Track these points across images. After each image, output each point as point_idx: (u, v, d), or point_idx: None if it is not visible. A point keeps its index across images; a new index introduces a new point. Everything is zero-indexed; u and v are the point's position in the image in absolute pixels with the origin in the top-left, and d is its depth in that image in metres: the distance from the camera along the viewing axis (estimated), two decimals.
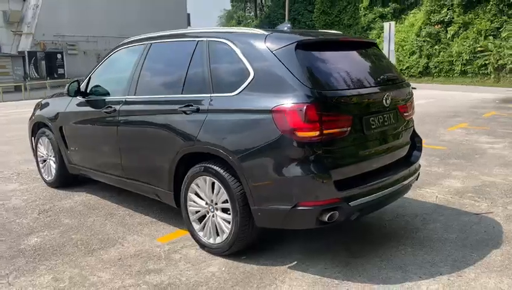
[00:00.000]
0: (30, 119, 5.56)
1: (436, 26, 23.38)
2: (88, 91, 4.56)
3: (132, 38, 4.40)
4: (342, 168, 3.05)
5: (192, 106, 3.43)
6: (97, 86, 4.49)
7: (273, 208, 3.05)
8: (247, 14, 57.52)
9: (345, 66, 3.34)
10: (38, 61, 30.26)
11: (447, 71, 22.70)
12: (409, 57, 24.42)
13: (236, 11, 60.21)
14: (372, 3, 28.40)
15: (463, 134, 8.18)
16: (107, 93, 4.40)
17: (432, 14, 23.49)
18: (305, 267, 3.19)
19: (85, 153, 4.77)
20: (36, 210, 4.54)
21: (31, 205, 4.71)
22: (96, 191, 5.06)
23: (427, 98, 14.17)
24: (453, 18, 22.71)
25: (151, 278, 3.11)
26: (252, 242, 3.38)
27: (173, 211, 4.08)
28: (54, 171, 5.22)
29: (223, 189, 3.26)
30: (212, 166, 3.30)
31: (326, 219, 2.96)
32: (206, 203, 3.43)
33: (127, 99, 4.07)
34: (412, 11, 26.83)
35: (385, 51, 17.56)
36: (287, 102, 2.92)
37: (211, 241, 3.43)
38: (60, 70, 31.16)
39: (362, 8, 28.85)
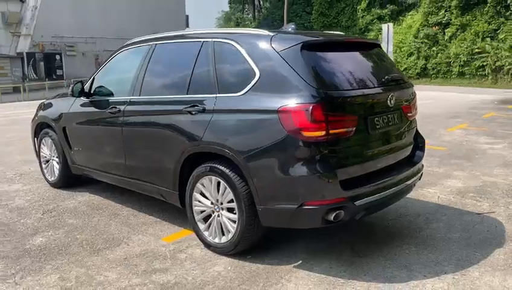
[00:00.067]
0: (33, 120, 5.56)
1: (433, 28, 23.47)
2: (92, 92, 4.58)
3: (136, 39, 4.42)
4: (347, 168, 3.08)
5: (197, 106, 3.45)
6: (101, 86, 4.51)
7: (279, 207, 3.07)
8: (245, 15, 57.60)
9: (349, 66, 3.37)
10: (37, 63, 30.27)
11: (445, 72, 22.79)
12: (406, 59, 24.51)
13: (234, 12, 60.34)
14: (370, 5, 28.48)
15: (463, 135, 8.23)
16: (111, 94, 4.42)
17: (430, 16, 23.58)
18: (310, 267, 3.21)
19: (89, 154, 4.78)
20: (40, 210, 4.55)
21: (34, 205, 4.72)
22: (99, 192, 5.07)
23: (426, 99, 14.20)
24: (450, 20, 22.80)
25: (158, 277, 3.12)
26: (258, 241, 3.40)
27: (177, 211, 4.10)
28: (57, 172, 5.23)
29: (228, 189, 3.28)
30: (218, 166, 3.32)
31: (332, 218, 2.98)
32: (212, 203, 3.45)
33: (131, 100, 4.08)
34: (410, 13, 26.92)
35: None
36: (293, 102, 2.95)
37: (216, 240, 3.45)
38: (59, 72, 31.18)
39: (360, 10, 28.91)
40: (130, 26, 31.01)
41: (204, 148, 3.42)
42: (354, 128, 3.06)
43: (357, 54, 3.59)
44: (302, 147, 2.94)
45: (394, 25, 24.52)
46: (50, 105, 5.35)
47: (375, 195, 3.20)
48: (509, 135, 8.05)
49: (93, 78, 4.64)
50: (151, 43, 4.13)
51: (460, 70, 21.97)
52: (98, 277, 3.15)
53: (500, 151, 6.79)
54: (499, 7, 20.88)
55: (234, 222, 3.30)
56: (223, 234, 3.41)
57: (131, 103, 4.08)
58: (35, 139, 5.57)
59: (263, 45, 3.25)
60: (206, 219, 3.53)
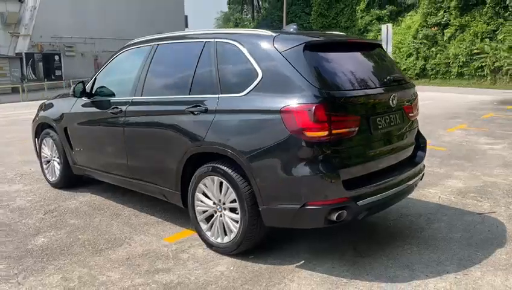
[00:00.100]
0: (34, 120, 5.56)
1: (433, 29, 23.52)
2: (94, 92, 4.58)
3: (138, 40, 4.42)
4: (350, 168, 3.09)
5: (200, 106, 3.45)
6: (103, 86, 4.50)
7: (282, 207, 3.08)
8: (244, 16, 57.60)
9: (352, 66, 3.38)
10: (36, 63, 30.23)
11: (444, 73, 22.84)
12: (405, 59, 24.54)
13: (233, 13, 60.30)
14: (369, 6, 28.53)
15: (462, 135, 8.24)
16: (113, 94, 4.42)
17: (429, 17, 23.64)
18: (313, 266, 3.22)
19: (90, 154, 4.78)
20: (41, 211, 4.54)
21: (35, 205, 4.72)
22: (101, 192, 5.07)
23: (425, 100, 14.20)
24: (449, 20, 22.85)
25: (160, 277, 3.13)
26: (260, 241, 3.40)
27: (178, 211, 4.10)
28: (58, 172, 5.22)
29: (231, 189, 3.28)
30: (220, 166, 3.32)
31: (334, 218, 2.99)
32: (214, 203, 3.46)
33: (133, 100, 4.09)
34: (409, 14, 26.98)
35: None
36: (296, 102, 2.96)
37: (219, 240, 3.45)
38: (58, 72, 31.14)
39: (359, 11, 28.96)
40: (129, 27, 31.03)
41: (206, 149, 3.42)
42: (357, 129, 3.07)
43: (359, 55, 3.60)
44: (304, 147, 2.95)
45: (393, 25, 24.58)
46: (51, 105, 5.35)
47: (377, 195, 3.20)
48: (508, 136, 8.07)
49: (95, 79, 4.64)
50: (153, 43, 4.13)
51: (459, 70, 22.02)
52: (101, 277, 3.15)
53: (500, 151, 6.80)
54: (497, 8, 20.95)
55: (236, 222, 3.30)
56: (226, 234, 3.41)
57: (133, 103, 4.08)
58: (36, 139, 5.56)
59: (265, 45, 3.25)
60: (208, 219, 3.53)
